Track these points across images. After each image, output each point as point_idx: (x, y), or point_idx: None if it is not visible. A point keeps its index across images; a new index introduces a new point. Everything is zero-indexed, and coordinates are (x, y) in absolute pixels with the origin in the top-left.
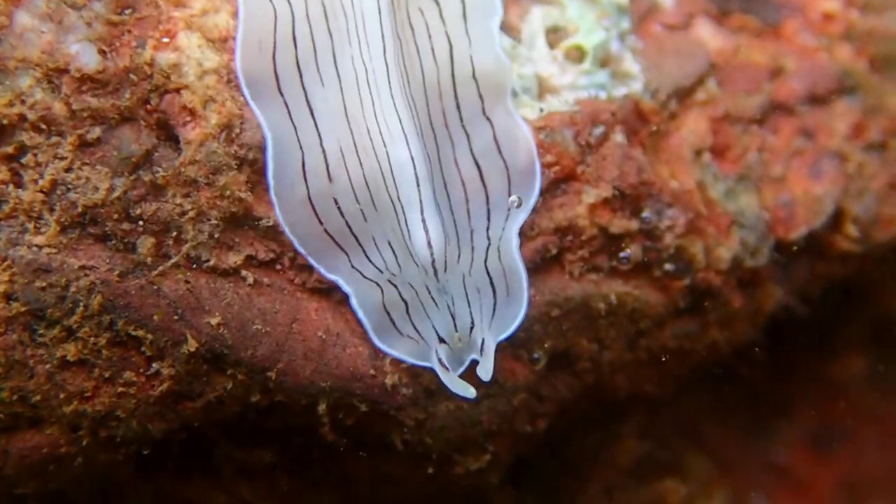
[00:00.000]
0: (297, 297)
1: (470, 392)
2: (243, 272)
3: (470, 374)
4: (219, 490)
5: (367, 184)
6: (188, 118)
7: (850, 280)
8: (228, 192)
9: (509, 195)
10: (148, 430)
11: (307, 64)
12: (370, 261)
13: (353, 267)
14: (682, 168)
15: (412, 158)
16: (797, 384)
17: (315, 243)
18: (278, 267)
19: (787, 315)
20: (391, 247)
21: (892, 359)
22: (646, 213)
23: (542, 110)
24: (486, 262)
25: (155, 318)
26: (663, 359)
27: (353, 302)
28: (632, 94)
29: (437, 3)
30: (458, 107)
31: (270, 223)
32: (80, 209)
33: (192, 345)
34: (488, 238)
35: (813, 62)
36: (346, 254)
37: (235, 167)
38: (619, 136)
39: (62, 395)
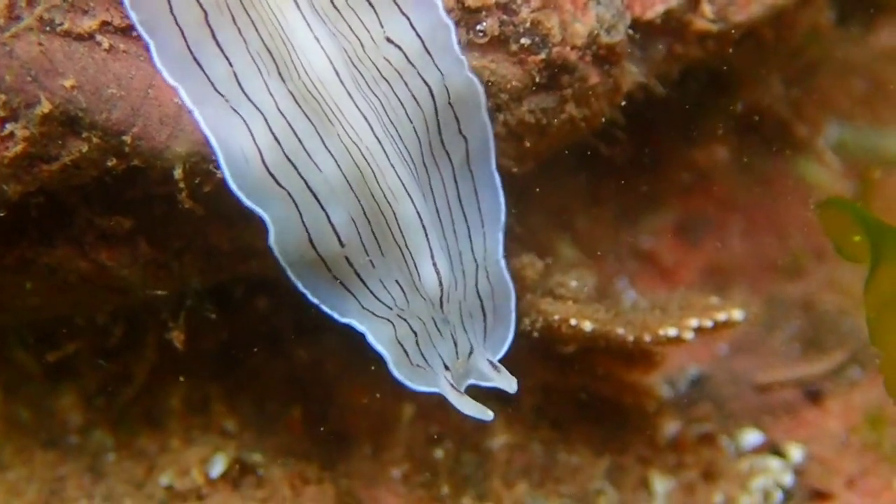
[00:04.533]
0: (153, 63)
1: (487, 415)
2: (98, 37)
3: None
4: (80, 257)
5: (376, 240)
6: None
7: (713, 67)
8: None
9: (479, 210)
10: (3, 191)
11: (297, 155)
12: (379, 300)
13: (363, 308)
14: None
15: (418, 213)
16: (663, 173)
17: (325, 291)
18: (134, 33)
19: (646, 97)
20: (399, 285)
21: (755, 148)
22: None
23: None
24: (476, 284)
25: (7, 78)
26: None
27: (370, 339)
28: None
29: (401, 48)
30: (439, 132)
31: None
32: None
33: (45, 106)
34: (475, 260)
35: None
36: (355, 297)
37: None
38: None
39: None
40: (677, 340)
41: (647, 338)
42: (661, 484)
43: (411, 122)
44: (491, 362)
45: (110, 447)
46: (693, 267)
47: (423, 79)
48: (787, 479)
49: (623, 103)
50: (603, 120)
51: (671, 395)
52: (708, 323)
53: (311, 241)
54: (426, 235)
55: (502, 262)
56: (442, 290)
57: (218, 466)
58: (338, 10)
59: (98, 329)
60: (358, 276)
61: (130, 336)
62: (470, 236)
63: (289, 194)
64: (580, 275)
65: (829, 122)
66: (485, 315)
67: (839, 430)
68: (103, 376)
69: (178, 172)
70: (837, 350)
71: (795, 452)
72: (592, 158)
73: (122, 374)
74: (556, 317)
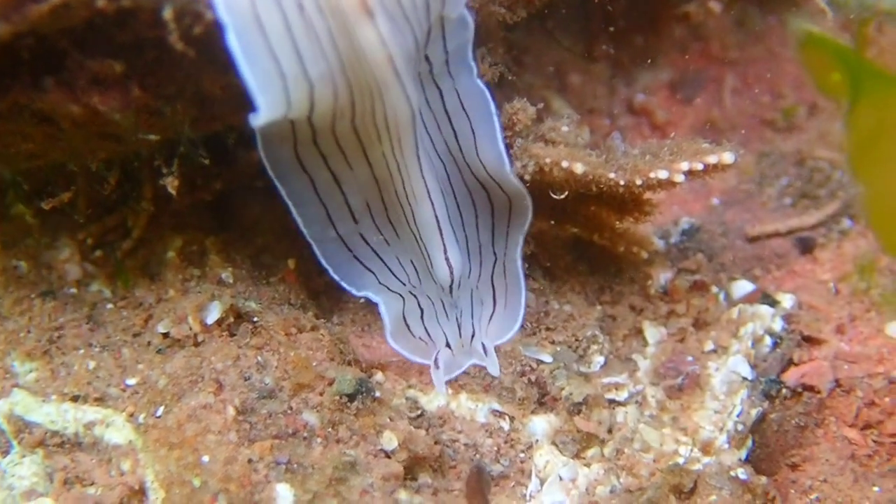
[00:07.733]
0: None
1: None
2: None
3: None
4: (72, 101)
5: (391, 224)
6: None
7: None
8: None
9: (509, 215)
10: None
11: (332, 156)
12: (395, 276)
13: (380, 283)
14: None
15: (436, 215)
16: (657, 28)
17: (346, 268)
18: None
19: None
20: (413, 265)
21: (750, 2)
22: None
23: None
24: (492, 276)
25: None
26: None
27: (382, 309)
28: None
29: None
30: (456, 138)
31: None
32: None
33: None
34: (494, 253)
35: None
36: (373, 273)
37: None
38: None
39: None
40: (668, 183)
41: (638, 181)
42: (652, 332)
43: (437, 128)
44: (485, 346)
45: (108, 298)
46: (686, 123)
47: (436, 84)
48: (778, 325)
49: None
50: None
51: (664, 249)
52: (698, 165)
53: (328, 215)
54: (441, 234)
55: (519, 262)
56: (453, 279)
57: (214, 313)
58: None
59: (93, 177)
60: (375, 253)
61: (126, 188)
62: (493, 233)
63: (311, 182)
64: (572, 121)
65: None
66: (495, 304)
67: (829, 279)
68: (101, 229)
69: (167, 13)
70: (828, 202)
71: (786, 300)
72: (587, 16)
73: (120, 227)
74: (548, 160)
